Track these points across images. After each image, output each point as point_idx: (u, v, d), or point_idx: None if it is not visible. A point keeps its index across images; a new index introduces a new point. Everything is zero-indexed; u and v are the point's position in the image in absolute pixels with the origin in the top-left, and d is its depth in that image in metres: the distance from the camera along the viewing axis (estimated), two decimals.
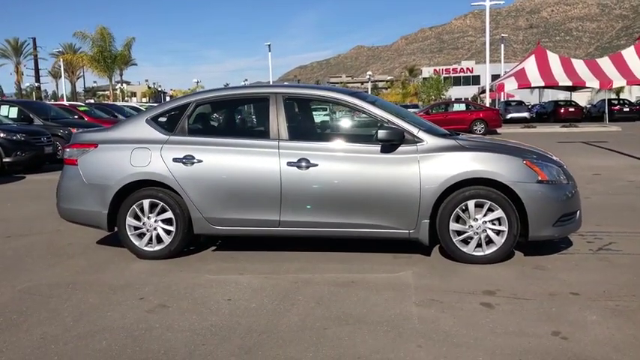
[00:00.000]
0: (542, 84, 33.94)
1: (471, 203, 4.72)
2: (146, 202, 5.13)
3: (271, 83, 58.69)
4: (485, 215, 4.72)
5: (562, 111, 36.58)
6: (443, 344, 3.21)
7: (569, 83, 33.77)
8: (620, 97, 42.99)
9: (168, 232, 5.15)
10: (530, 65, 35.03)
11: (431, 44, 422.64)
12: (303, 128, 5.39)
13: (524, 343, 3.20)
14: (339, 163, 4.87)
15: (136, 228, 5.18)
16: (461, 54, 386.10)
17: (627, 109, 36.57)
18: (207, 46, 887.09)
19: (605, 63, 35.10)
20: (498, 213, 4.69)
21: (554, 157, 5.18)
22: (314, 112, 5.41)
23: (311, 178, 4.86)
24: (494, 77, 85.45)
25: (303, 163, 4.85)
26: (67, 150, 5.41)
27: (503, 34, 47.08)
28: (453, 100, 41.34)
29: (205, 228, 5.11)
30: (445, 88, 44.26)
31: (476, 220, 4.73)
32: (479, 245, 4.77)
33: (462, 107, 26.58)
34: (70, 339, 3.43)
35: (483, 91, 38.89)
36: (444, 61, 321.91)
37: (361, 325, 3.53)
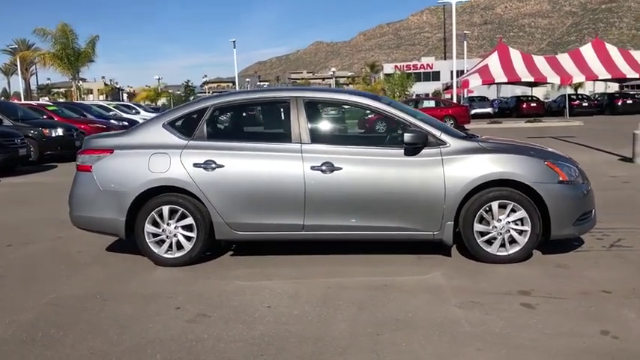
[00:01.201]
0: (506, 80, 34.63)
1: (494, 204, 4.81)
2: (166, 209, 5.04)
3: (236, 79, 58.36)
4: (508, 216, 4.82)
5: (524, 106, 37.45)
6: (501, 347, 3.27)
7: (531, 79, 34.60)
8: (578, 93, 44.29)
9: (188, 238, 5.07)
10: (494, 62, 35.71)
11: (389, 40, 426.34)
12: (325, 132, 5.37)
13: (579, 343, 3.29)
14: (364, 167, 4.88)
15: (155, 235, 5.09)
16: (418, 50, 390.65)
17: (586, 104, 37.75)
18: (164, 42, 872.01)
19: (565, 59, 36.10)
20: (521, 213, 4.79)
21: (568, 157, 5.32)
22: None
23: (335, 182, 4.86)
24: (455, 73, 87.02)
25: (328, 167, 4.85)
26: (80, 156, 5.26)
27: (466, 31, 47.79)
28: (414, 96, 41.85)
29: (227, 233, 5.06)
30: (409, 85, 44.78)
31: (499, 220, 4.83)
32: (502, 245, 4.87)
33: (432, 104, 27.02)
34: (121, 354, 3.35)
35: (447, 87, 39.46)
36: (402, 57, 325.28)
37: (412, 329, 3.56)
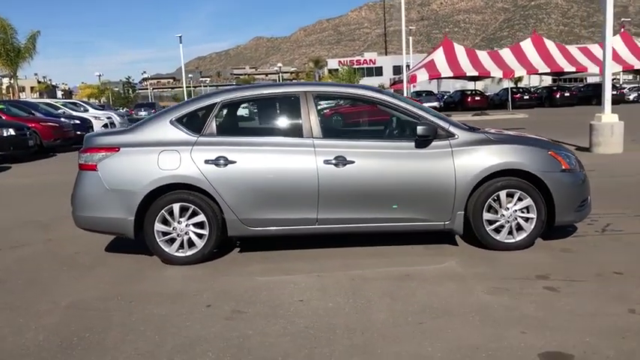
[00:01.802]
0: (451, 74, 35.39)
1: (502, 193, 4.99)
2: (176, 206, 4.97)
3: (183, 74, 57.24)
4: (515, 204, 5.01)
5: (469, 100, 38.57)
6: (542, 329, 3.42)
7: (476, 73, 35.47)
8: (519, 86, 46.10)
9: (199, 235, 5.02)
10: (439, 57, 36.47)
11: (329, 36, 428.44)
12: (336, 126, 5.41)
13: (611, 322, 3.48)
14: (376, 160, 4.96)
15: (165, 233, 5.01)
16: (358, 45, 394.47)
17: (527, 97, 39.27)
18: (100, 38, 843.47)
19: (506, 54, 37.29)
20: (527, 201, 4.99)
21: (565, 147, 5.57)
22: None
23: (348, 176, 4.92)
24: (396, 69, 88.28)
25: (340, 161, 4.91)
26: (83, 155, 5.10)
27: (411, 27, 48.63)
28: None
29: (240, 230, 5.03)
30: (356, 80, 45.25)
31: (507, 209, 5.01)
32: (509, 233, 5.06)
33: None
34: (170, 353, 3.31)
35: (394, 82, 40.09)
36: (342, 53, 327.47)
37: (451, 317, 3.67)
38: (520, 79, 45.38)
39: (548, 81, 75.74)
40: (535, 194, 4.98)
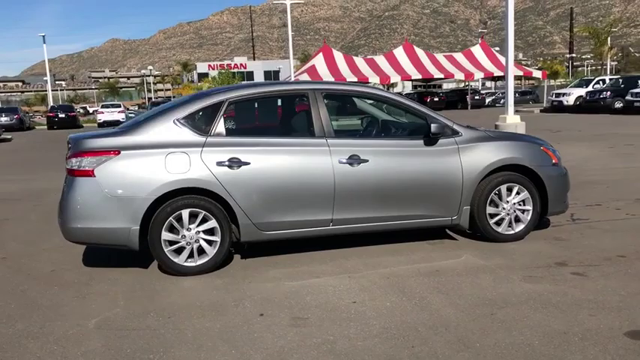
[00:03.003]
0: (332, 79, 36.44)
1: (503, 187, 5.24)
2: (185, 213, 4.63)
3: (48, 76, 52.89)
4: (514, 197, 5.28)
5: None
6: (607, 311, 3.64)
7: (355, 79, 36.91)
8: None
9: (209, 242, 4.71)
10: (320, 62, 37.50)
11: (190, 39, 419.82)
12: (346, 124, 5.34)
13: None
14: (388, 158, 4.99)
15: (172, 242, 4.64)
16: (221, 50, 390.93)
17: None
18: None
19: (381, 60, 39.21)
20: (525, 195, 5.29)
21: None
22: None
23: (363, 175, 4.90)
24: (267, 74, 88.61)
25: (355, 160, 4.87)
26: (74, 160, 4.57)
27: (291, 33, 49.02)
28: None
29: (254, 234, 4.80)
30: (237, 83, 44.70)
31: (507, 202, 5.27)
32: (509, 225, 5.32)
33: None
34: None
35: None
36: (205, 57, 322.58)
37: (514, 305, 3.78)
38: (394, 85, 47.73)
39: (409, 87, 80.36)
40: (531, 187, 5.29)
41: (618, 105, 26.39)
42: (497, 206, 5.26)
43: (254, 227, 4.76)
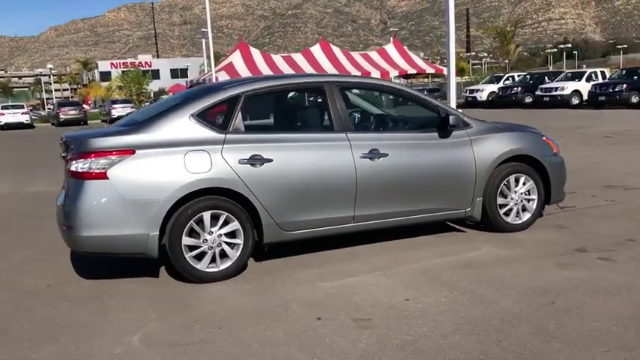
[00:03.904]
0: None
1: (512, 178, 5.32)
2: (207, 215, 4.31)
3: None
4: (521, 187, 5.38)
5: None
6: None
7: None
8: None
9: (231, 246, 4.43)
10: (237, 59, 36.78)
11: (85, 37, 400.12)
12: (364, 118, 5.19)
13: None
14: (407, 152, 4.92)
15: (192, 248, 4.31)
16: (119, 48, 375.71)
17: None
18: None
19: (299, 58, 39.08)
20: (530, 184, 5.40)
21: None
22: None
23: (383, 169, 4.79)
24: (174, 72, 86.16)
25: (375, 155, 4.76)
26: (82, 161, 4.12)
27: (203, 29, 47.78)
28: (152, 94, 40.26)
29: (277, 235, 4.56)
30: (147, 83, 43.06)
31: (515, 192, 5.36)
32: (517, 214, 5.41)
33: None
34: None
35: (192, 84, 39.12)
36: (102, 55, 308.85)
37: (566, 294, 3.81)
38: None
39: None
40: (536, 177, 5.40)
41: (528, 100, 28.01)
42: (505, 197, 5.33)
43: (278, 227, 4.52)
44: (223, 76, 33.89)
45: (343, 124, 4.76)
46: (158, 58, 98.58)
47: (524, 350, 3.05)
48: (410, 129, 5.26)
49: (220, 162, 4.31)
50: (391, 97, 5.74)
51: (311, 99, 5.04)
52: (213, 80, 32.19)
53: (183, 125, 4.35)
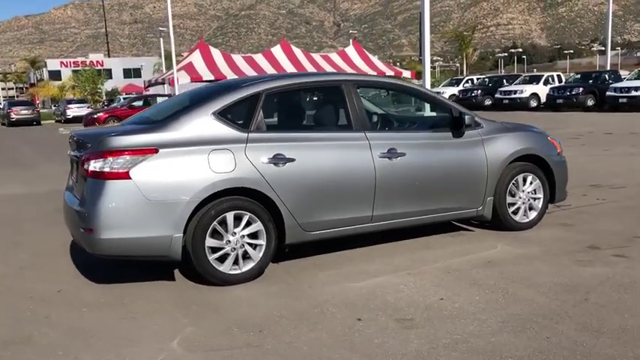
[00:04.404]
0: (212, 78, 35.45)
1: (520, 177, 5.40)
2: (230, 216, 4.20)
3: None
4: (528, 186, 5.46)
5: None
6: None
7: (236, 77, 36.29)
8: None
9: (253, 247, 4.33)
10: (197, 59, 36.23)
11: (29, 34, 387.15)
12: (381, 117, 5.16)
13: None
14: (423, 151, 4.93)
15: (215, 249, 4.20)
16: (66, 46, 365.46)
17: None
18: None
19: (260, 59, 38.85)
20: (537, 183, 5.49)
21: None
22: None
23: (401, 168, 4.79)
24: (127, 71, 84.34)
25: (393, 154, 4.74)
26: (101, 160, 3.94)
27: (161, 28, 46.90)
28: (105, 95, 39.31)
29: (299, 235, 4.49)
30: (102, 82, 41.89)
31: (523, 191, 5.44)
32: (524, 213, 5.49)
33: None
34: None
35: (149, 85, 38.34)
36: (48, 53, 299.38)
37: (596, 290, 3.87)
38: None
39: None
40: (542, 176, 5.50)
41: (488, 102, 28.68)
42: (514, 196, 5.40)
43: (299, 228, 4.45)
44: (183, 76, 33.47)
45: (361, 123, 4.73)
46: (109, 57, 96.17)
47: (576, 346, 3.08)
48: (424, 128, 5.26)
49: (244, 161, 4.21)
50: (392, 95, 5.71)
51: (330, 97, 4.98)
52: (176, 80, 31.75)
53: (205, 123, 4.23)
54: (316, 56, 41.42)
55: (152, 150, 4.00)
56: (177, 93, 31.18)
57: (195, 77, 34.25)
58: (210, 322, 3.62)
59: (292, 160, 4.35)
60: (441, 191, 5.00)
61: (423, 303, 3.78)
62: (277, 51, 39.49)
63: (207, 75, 34.80)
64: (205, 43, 38.53)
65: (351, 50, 41.97)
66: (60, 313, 3.87)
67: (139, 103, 25.26)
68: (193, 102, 4.46)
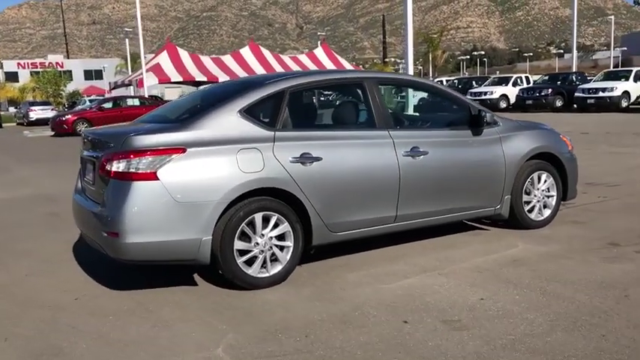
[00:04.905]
0: (181, 79, 34.92)
1: (535, 175, 5.40)
2: (258, 217, 4.06)
3: None
4: (543, 184, 5.46)
5: None
6: None
7: (205, 79, 35.79)
8: None
9: (281, 249, 4.20)
10: (164, 60, 35.59)
11: None
12: (402, 115, 5.07)
13: None
14: (444, 149, 4.87)
15: (242, 252, 4.04)
16: (20, 47, 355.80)
17: None
18: None
19: (229, 60, 38.48)
20: (551, 182, 5.50)
21: None
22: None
23: (424, 167, 4.72)
24: (88, 73, 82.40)
25: (415, 152, 4.67)
26: (125, 161, 3.74)
27: (127, 29, 45.99)
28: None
29: (325, 236, 4.37)
30: (64, 84, 40.75)
31: (538, 189, 5.44)
32: (539, 211, 5.49)
33: (137, 102, 25.46)
34: None
35: (115, 86, 37.53)
36: (2, 54, 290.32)
37: (633, 286, 3.85)
38: None
39: None
40: (555, 174, 5.51)
41: None
42: (529, 194, 5.39)
43: (326, 229, 4.33)
44: (151, 78, 32.81)
45: (385, 121, 4.64)
46: (68, 58, 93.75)
47: (635, 343, 3.05)
48: (444, 126, 5.19)
49: (272, 161, 4.06)
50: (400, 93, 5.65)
51: (353, 95, 4.88)
52: (145, 81, 31.08)
53: (232, 122, 4.07)
54: (285, 58, 41.30)
55: (180, 149, 3.82)
56: (146, 95, 30.65)
57: (163, 79, 33.72)
58: (249, 327, 3.47)
59: (319, 159, 4.23)
60: (461, 190, 4.95)
61: (465, 304, 3.70)
62: (246, 52, 39.19)
63: (175, 76, 34.27)
64: (173, 44, 37.97)
65: (319, 52, 41.98)
66: (85, 321, 3.65)
67: (109, 105, 24.55)
68: (218, 100, 4.28)
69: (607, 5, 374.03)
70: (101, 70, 74.95)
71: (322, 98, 5.11)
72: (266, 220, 4.09)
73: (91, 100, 34.93)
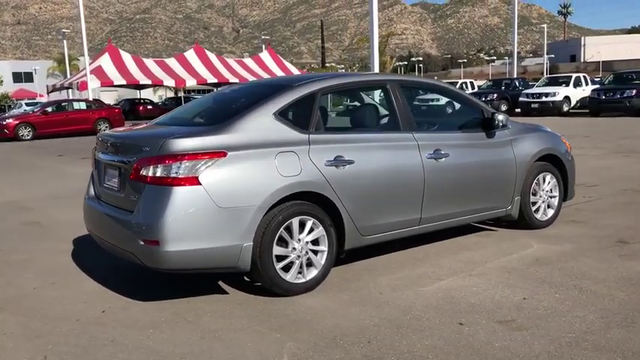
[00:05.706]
0: (124, 82, 33.94)
1: (541, 177, 5.54)
2: (296, 221, 3.96)
3: None
4: (546, 185, 5.61)
5: (141, 109, 37.53)
6: None
7: (149, 82, 34.93)
8: (143, 97, 45.64)
9: (315, 253, 4.12)
10: (106, 63, 34.42)
11: None
12: (421, 118, 5.07)
13: None
14: (464, 151, 4.92)
15: (280, 257, 3.94)
16: None
17: (150, 108, 39.66)
18: None
19: (173, 63, 37.63)
20: (554, 183, 5.66)
21: None
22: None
23: (446, 169, 4.75)
24: (17, 75, 78.72)
25: (438, 155, 4.70)
26: (168, 165, 3.57)
27: (64, 30, 44.09)
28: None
29: (356, 240, 4.32)
30: None
31: (543, 190, 5.58)
32: (543, 211, 5.63)
33: (83, 106, 24.41)
34: None
35: (53, 89, 35.96)
36: None
37: None
38: (158, 88, 45.66)
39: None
40: (558, 175, 5.68)
41: None
42: (535, 195, 5.52)
43: (358, 232, 4.29)
44: (93, 80, 31.63)
45: (409, 123, 4.65)
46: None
47: None
48: (461, 129, 5.23)
49: (309, 164, 3.98)
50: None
51: (378, 97, 4.85)
52: (89, 83, 29.91)
53: (268, 124, 3.96)
54: (231, 61, 40.90)
55: (221, 153, 3.67)
56: (90, 97, 29.54)
57: (106, 82, 32.70)
58: (305, 335, 3.37)
59: (352, 162, 4.18)
60: (479, 191, 5.02)
61: (510, 304, 3.73)
62: (191, 55, 38.49)
63: (117, 79, 33.29)
64: (115, 47, 36.82)
65: (265, 55, 41.84)
66: (124, 335, 3.45)
67: (52, 108, 23.47)
68: (250, 102, 4.15)
69: (532, 15, 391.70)
70: (32, 73, 71.72)
71: (351, 100, 5.04)
72: (302, 225, 4.00)
73: (29, 104, 33.35)
